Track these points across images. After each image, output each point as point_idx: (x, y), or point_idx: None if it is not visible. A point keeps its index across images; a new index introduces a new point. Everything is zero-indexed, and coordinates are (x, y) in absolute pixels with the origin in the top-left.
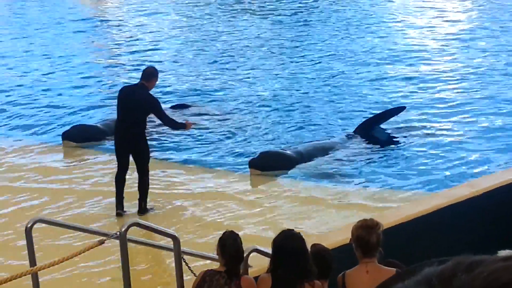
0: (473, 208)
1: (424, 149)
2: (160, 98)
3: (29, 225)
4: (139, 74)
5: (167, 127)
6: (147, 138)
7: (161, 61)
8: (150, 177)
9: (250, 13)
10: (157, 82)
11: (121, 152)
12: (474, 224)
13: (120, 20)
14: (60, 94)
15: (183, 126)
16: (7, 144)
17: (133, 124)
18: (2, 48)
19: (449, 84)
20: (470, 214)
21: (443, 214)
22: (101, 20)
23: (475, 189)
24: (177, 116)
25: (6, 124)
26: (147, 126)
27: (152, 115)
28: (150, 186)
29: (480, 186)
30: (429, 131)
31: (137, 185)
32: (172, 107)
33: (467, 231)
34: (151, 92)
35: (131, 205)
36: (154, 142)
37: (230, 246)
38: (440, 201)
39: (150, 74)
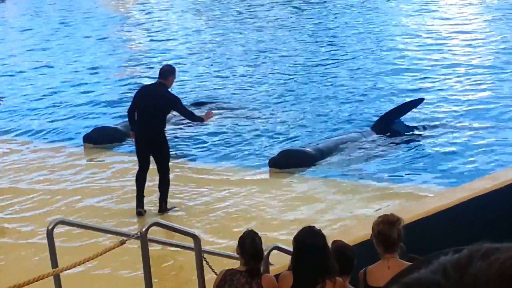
0: (496, 201)
1: (445, 141)
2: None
3: (50, 227)
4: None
5: (189, 122)
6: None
7: (179, 61)
8: (169, 177)
9: (266, 10)
10: (175, 80)
11: (142, 151)
12: (497, 216)
13: (141, 20)
14: (80, 96)
15: (202, 119)
16: (29, 146)
17: (153, 123)
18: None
19: (470, 75)
20: (493, 207)
21: (466, 208)
22: (122, 20)
23: (497, 182)
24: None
25: (28, 127)
26: (166, 126)
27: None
28: (170, 185)
29: (502, 179)
30: (449, 124)
31: (157, 184)
32: (191, 105)
33: (490, 224)
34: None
35: (151, 205)
36: (173, 142)
37: (249, 245)
38: (462, 195)
39: (167, 72)
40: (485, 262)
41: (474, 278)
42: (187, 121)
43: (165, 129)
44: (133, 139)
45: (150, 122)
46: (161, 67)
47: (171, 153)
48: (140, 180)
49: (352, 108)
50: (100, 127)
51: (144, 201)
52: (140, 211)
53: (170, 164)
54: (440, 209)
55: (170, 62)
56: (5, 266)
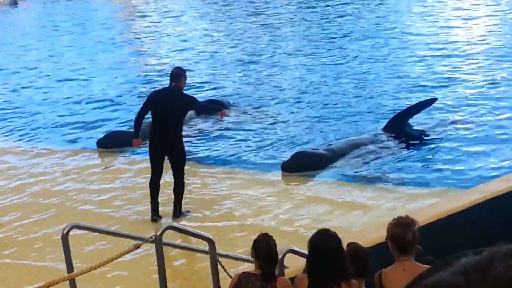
0: (510, 203)
1: (458, 143)
2: None
3: (65, 231)
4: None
5: (202, 126)
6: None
7: (190, 63)
8: (184, 180)
9: (280, 14)
10: (186, 81)
11: (157, 155)
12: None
13: (152, 23)
14: (94, 101)
15: (216, 108)
16: (43, 151)
17: (171, 126)
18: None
19: (483, 75)
20: (507, 208)
21: (480, 209)
22: (133, 24)
23: (511, 184)
24: (208, 116)
25: (42, 131)
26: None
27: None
28: (184, 189)
29: None
30: (462, 124)
31: (171, 188)
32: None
33: (504, 226)
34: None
35: (166, 208)
36: (187, 146)
37: (264, 249)
38: (476, 197)
39: (179, 75)
40: (506, 263)
41: (495, 280)
42: (200, 125)
43: (182, 134)
44: (136, 146)
45: (168, 125)
46: (172, 70)
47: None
48: (154, 186)
49: (364, 109)
50: (113, 132)
51: (159, 205)
52: (155, 219)
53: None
54: (454, 211)
55: (182, 65)
56: (19, 270)
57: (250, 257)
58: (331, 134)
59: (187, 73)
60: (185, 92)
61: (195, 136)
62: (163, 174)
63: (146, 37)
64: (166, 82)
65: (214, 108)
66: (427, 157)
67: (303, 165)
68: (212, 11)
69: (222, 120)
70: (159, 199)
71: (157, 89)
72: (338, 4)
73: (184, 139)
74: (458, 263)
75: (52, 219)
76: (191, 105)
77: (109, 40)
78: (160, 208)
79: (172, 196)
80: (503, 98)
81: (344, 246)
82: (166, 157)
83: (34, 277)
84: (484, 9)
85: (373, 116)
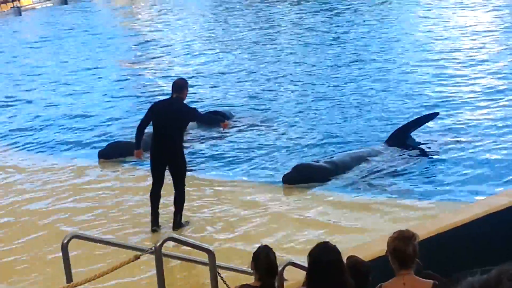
0: None
1: (460, 157)
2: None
3: (65, 241)
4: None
5: (204, 136)
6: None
7: (193, 75)
8: (185, 191)
9: (281, 24)
10: (188, 92)
11: (158, 166)
12: None
13: (155, 33)
14: (95, 112)
15: (221, 120)
16: (45, 161)
17: (172, 137)
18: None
19: (485, 89)
20: (509, 223)
21: (482, 224)
22: (135, 34)
23: None
24: (210, 127)
25: (43, 141)
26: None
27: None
28: (185, 199)
29: None
30: (463, 138)
31: (171, 199)
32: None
33: (506, 241)
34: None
35: (166, 219)
36: (188, 157)
37: (264, 261)
38: (478, 211)
39: (181, 86)
40: None
41: None
42: (202, 136)
43: (183, 143)
44: (137, 157)
45: (169, 136)
46: (174, 80)
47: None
48: (155, 197)
49: (366, 122)
50: (114, 142)
51: (159, 215)
52: (155, 229)
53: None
54: (456, 225)
55: (185, 75)
56: (19, 280)
57: (250, 269)
58: (333, 146)
59: (191, 81)
60: (186, 103)
61: (197, 147)
62: (164, 185)
63: (149, 46)
64: (169, 91)
65: (216, 119)
66: (429, 170)
67: (305, 177)
68: (215, 19)
69: (225, 132)
70: (160, 209)
71: (158, 100)
72: (343, 17)
73: (186, 150)
74: (467, 281)
75: (53, 228)
76: (192, 117)
77: (111, 49)
78: (160, 219)
79: (173, 206)
80: (506, 112)
81: (344, 259)
82: (167, 167)
83: (33, 287)
84: (490, 24)
85: (375, 129)
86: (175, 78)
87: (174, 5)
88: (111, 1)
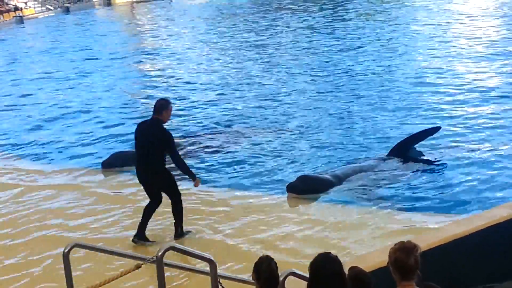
0: None
1: (462, 169)
2: (193, 121)
3: (66, 250)
4: (175, 99)
5: (205, 146)
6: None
7: (194, 85)
8: (185, 201)
9: (286, 33)
10: (171, 113)
11: (144, 185)
12: None
13: (158, 41)
14: (99, 121)
15: (192, 175)
16: (48, 169)
17: (151, 158)
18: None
19: (485, 103)
20: (510, 235)
21: (484, 236)
22: (138, 43)
23: None
24: (215, 137)
25: (46, 150)
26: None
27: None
28: (185, 209)
29: None
30: (465, 151)
31: (170, 210)
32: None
33: (507, 252)
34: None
35: (167, 229)
36: (192, 167)
37: (265, 271)
38: (480, 223)
39: (162, 107)
40: None
41: None
42: (205, 145)
43: (165, 163)
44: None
45: (149, 157)
46: (156, 101)
47: (185, 178)
48: (148, 210)
49: (369, 134)
50: (117, 153)
51: (158, 227)
52: (135, 240)
53: (186, 188)
54: (457, 237)
55: (186, 83)
56: None
57: (251, 279)
58: (336, 159)
59: (194, 86)
60: (165, 128)
61: (199, 156)
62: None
63: (151, 55)
64: (171, 100)
65: (189, 173)
66: (431, 182)
67: (309, 186)
68: (218, 28)
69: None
70: (160, 220)
71: (141, 121)
72: (346, 26)
73: (188, 159)
74: None
75: (54, 237)
76: (167, 149)
77: (113, 58)
78: (160, 227)
79: (173, 217)
80: (508, 125)
81: (346, 270)
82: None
83: None
84: (496, 32)
85: (378, 142)
86: (176, 86)
87: (175, 12)
88: (112, 10)
